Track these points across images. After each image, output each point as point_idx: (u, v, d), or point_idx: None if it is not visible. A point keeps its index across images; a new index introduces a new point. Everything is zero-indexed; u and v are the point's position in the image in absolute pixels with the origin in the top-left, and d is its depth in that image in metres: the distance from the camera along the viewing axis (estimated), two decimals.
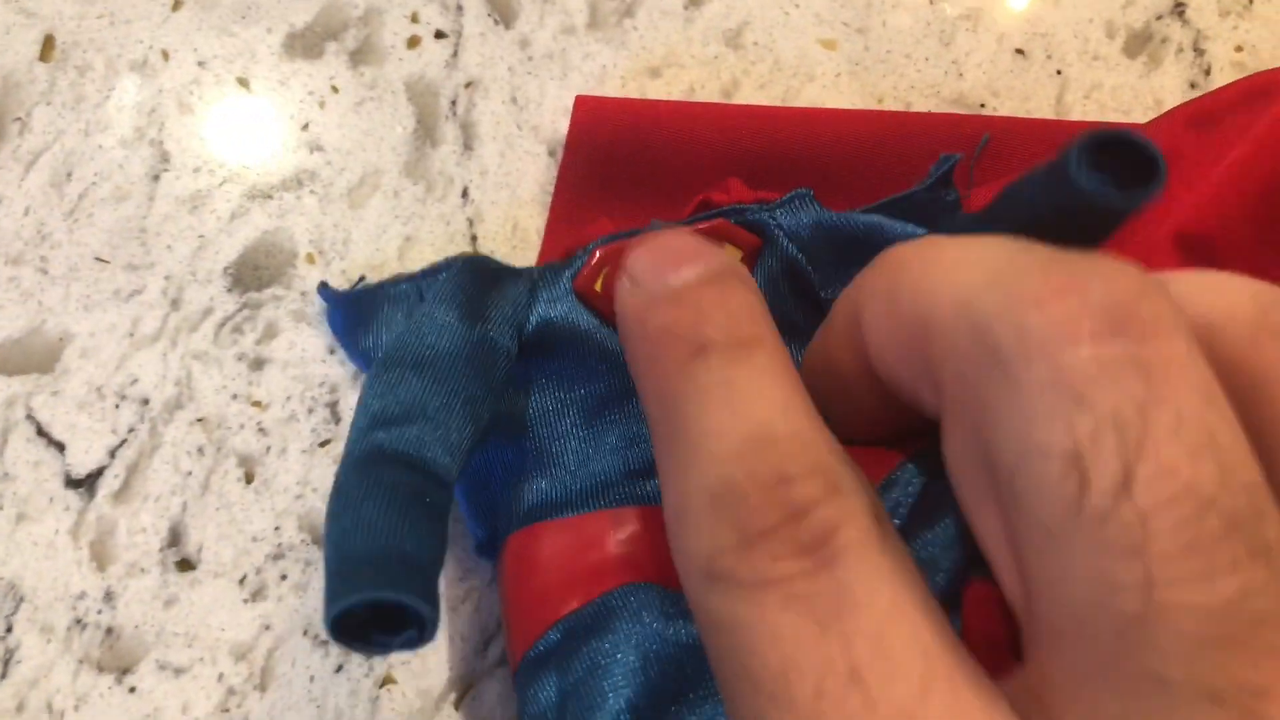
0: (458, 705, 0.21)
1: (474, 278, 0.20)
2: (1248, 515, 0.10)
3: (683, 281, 0.14)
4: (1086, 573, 0.10)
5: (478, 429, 0.18)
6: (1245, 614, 0.09)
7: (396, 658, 0.21)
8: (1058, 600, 0.10)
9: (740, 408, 0.12)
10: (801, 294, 0.21)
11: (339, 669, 0.21)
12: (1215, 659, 0.09)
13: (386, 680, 0.21)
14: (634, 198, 0.24)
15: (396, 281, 0.21)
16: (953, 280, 0.12)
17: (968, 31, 0.26)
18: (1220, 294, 0.12)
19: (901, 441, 0.17)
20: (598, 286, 0.21)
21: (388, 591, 0.14)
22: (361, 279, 0.23)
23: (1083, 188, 0.13)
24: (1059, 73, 0.26)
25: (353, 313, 0.22)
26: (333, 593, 0.14)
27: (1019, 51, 0.26)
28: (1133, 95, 0.26)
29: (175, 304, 0.23)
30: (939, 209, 0.21)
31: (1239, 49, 0.26)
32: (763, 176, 0.23)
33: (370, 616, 0.15)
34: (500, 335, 0.20)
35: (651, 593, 0.18)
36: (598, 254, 0.21)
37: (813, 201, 0.21)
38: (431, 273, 0.21)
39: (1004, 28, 0.26)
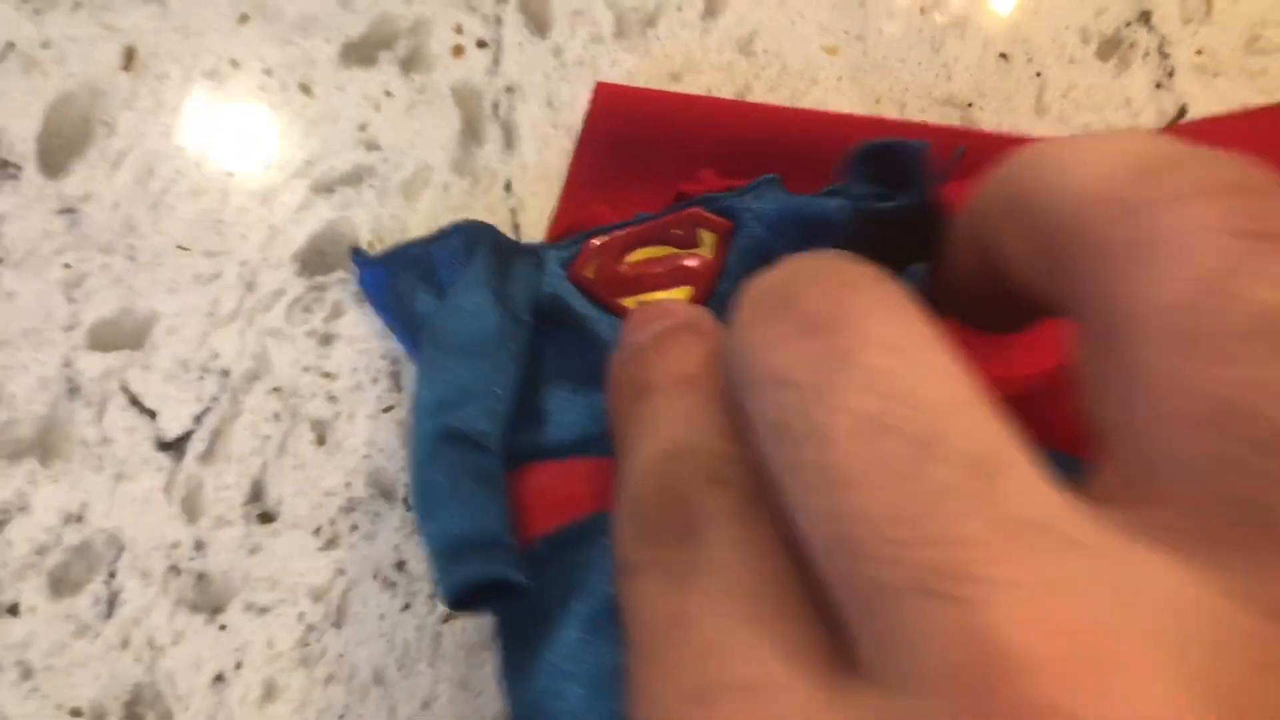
0: None
1: (495, 259, 0.23)
2: None
3: (640, 339, 0.17)
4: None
5: (514, 396, 0.22)
6: None
7: None
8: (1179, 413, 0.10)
9: (660, 432, 0.14)
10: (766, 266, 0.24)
11: (406, 607, 0.24)
12: None
13: (448, 616, 0.24)
14: (642, 184, 0.26)
15: (410, 246, 0.24)
16: (1089, 173, 0.12)
17: (956, 38, 0.29)
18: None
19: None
20: (590, 274, 0.24)
21: (496, 571, 0.18)
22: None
23: (857, 189, 0.15)
24: (1039, 75, 0.29)
25: (377, 275, 0.25)
26: (448, 574, 0.18)
27: (1002, 56, 0.29)
28: (1105, 94, 0.29)
29: (250, 287, 0.26)
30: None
31: (1199, 52, 0.29)
32: (764, 170, 0.26)
33: (476, 586, 0.18)
34: (521, 313, 0.23)
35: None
36: (592, 244, 0.24)
37: (779, 186, 0.24)
38: (440, 237, 0.24)
39: (989, 34, 0.29)
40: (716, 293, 0.23)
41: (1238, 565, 0.09)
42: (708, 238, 0.24)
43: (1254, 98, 0.29)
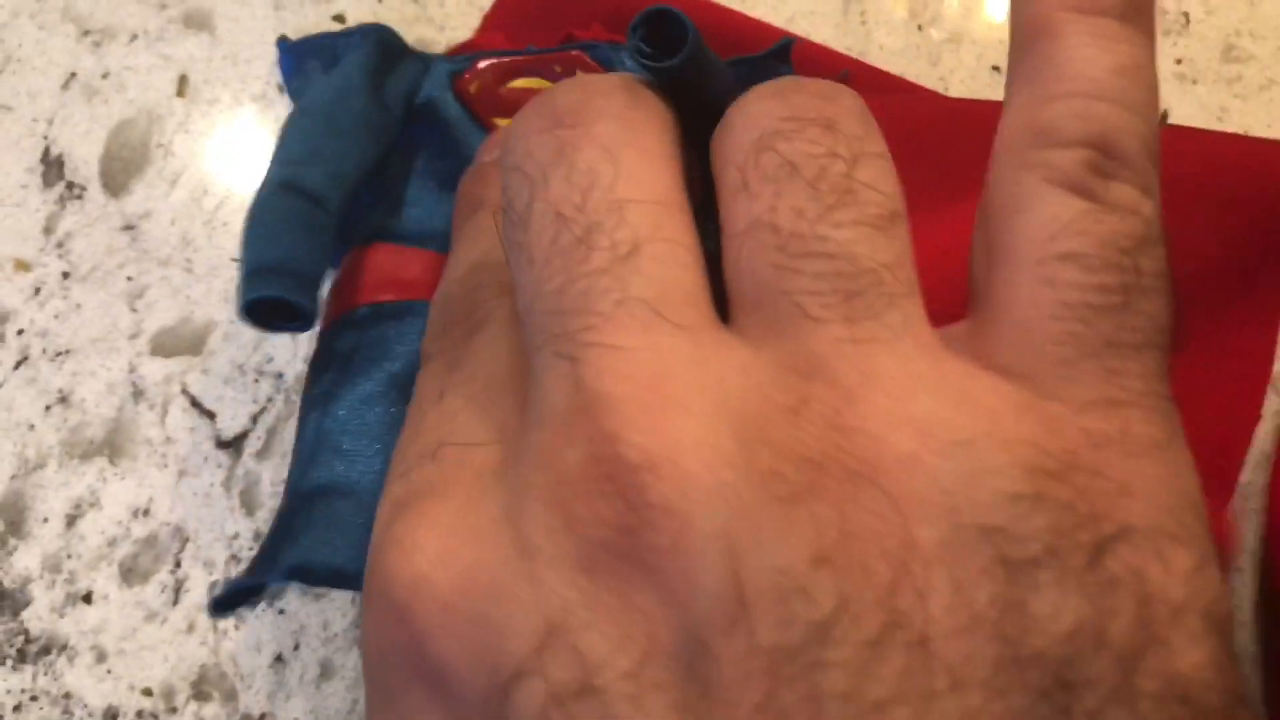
0: None
1: (383, 53, 0.25)
2: None
3: (486, 160, 0.18)
4: None
5: (363, 173, 0.24)
6: None
7: None
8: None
9: (478, 243, 0.17)
10: None
11: None
12: None
13: None
14: (546, 33, 0.28)
15: (322, 36, 0.26)
16: None
17: (951, 52, 0.31)
18: None
19: None
20: (473, 89, 0.26)
21: (279, 292, 0.21)
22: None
23: (637, 58, 0.18)
24: None
25: (291, 61, 0.27)
26: (249, 287, 0.21)
27: (995, 68, 0.31)
28: None
29: None
30: (770, 77, 0.26)
31: (1178, 61, 0.31)
32: None
33: (270, 307, 0.21)
34: (394, 105, 0.25)
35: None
36: (480, 63, 0.26)
37: None
38: (346, 34, 0.26)
39: (982, 48, 0.31)
40: None
41: (776, 342, 0.12)
42: None
43: (1231, 103, 0.31)
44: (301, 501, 0.21)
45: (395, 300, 0.24)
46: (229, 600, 0.21)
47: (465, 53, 0.27)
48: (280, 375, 0.27)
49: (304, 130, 0.24)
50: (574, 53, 0.26)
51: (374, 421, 0.22)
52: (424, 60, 0.26)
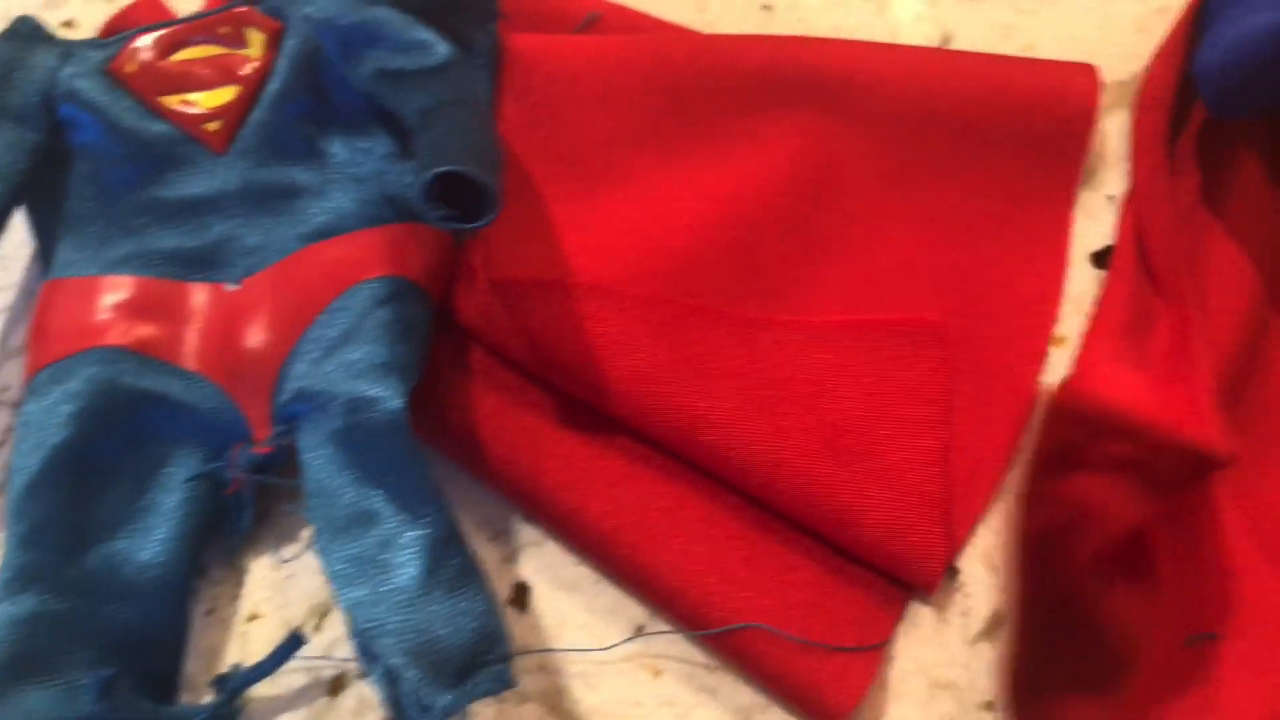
0: (318, 628, 0.24)
1: (11, 49, 0.24)
2: None
3: None
4: None
5: (4, 196, 0.23)
6: None
7: (260, 594, 0.24)
8: None
9: None
10: (316, 70, 0.25)
11: (209, 612, 0.24)
12: None
13: (253, 616, 0.24)
14: None
15: None
16: None
17: None
18: None
19: None
20: (131, 70, 0.24)
21: None
22: None
23: (429, 215, 0.19)
24: (801, 21, 0.29)
25: None
26: None
27: (765, 8, 0.30)
28: (869, 31, 0.29)
29: None
30: (474, 18, 0.25)
31: None
32: None
33: None
34: (26, 111, 0.24)
35: (114, 354, 0.23)
36: (134, 41, 0.24)
37: None
38: None
39: None
40: (264, 94, 0.24)
41: None
42: (256, 38, 0.24)
43: (1015, 19, 0.29)
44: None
45: (62, 357, 0.23)
46: None
47: (117, 31, 0.25)
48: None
49: None
50: (240, 9, 0.24)
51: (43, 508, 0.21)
52: (65, 49, 0.25)
